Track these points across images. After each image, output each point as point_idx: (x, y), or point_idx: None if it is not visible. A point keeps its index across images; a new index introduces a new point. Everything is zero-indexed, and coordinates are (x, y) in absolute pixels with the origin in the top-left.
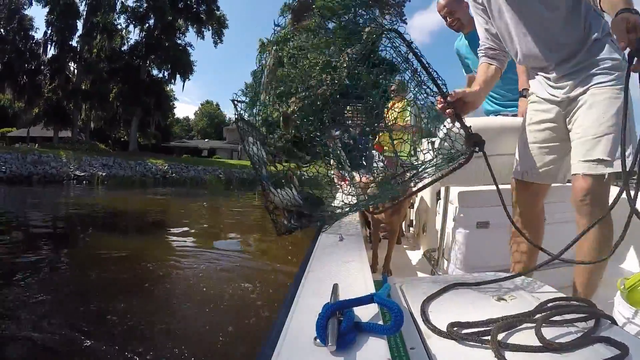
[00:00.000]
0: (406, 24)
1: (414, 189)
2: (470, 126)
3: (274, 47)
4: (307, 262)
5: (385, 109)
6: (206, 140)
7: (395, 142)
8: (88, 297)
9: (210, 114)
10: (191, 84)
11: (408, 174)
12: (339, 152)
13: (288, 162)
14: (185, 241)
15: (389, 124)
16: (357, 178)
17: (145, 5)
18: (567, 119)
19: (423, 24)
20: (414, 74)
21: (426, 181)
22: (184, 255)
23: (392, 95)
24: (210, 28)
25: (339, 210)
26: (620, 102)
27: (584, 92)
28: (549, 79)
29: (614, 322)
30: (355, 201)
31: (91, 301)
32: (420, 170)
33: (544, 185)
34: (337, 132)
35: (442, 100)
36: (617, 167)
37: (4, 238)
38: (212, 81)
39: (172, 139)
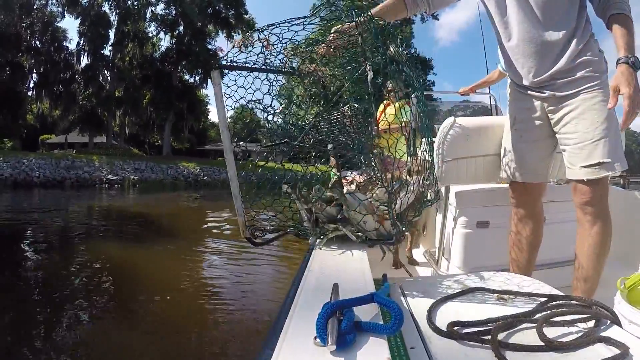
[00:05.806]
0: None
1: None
2: None
3: None
4: (307, 262)
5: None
6: (241, 143)
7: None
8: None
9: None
10: (226, 88)
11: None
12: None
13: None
14: (188, 240)
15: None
16: (351, 178)
17: (174, 12)
18: (553, 118)
19: (451, 22)
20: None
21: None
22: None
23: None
24: (239, 32)
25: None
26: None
27: (574, 96)
28: (534, 73)
29: (614, 321)
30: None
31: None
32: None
33: (538, 185)
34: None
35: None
36: (617, 168)
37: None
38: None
39: (207, 143)
